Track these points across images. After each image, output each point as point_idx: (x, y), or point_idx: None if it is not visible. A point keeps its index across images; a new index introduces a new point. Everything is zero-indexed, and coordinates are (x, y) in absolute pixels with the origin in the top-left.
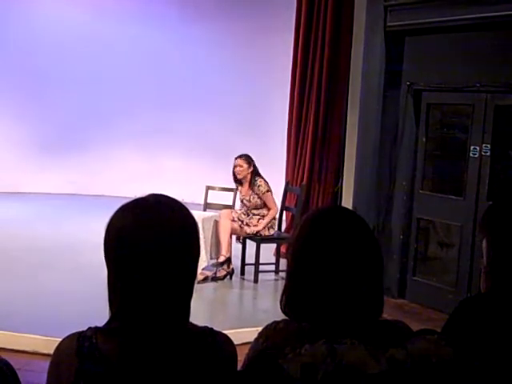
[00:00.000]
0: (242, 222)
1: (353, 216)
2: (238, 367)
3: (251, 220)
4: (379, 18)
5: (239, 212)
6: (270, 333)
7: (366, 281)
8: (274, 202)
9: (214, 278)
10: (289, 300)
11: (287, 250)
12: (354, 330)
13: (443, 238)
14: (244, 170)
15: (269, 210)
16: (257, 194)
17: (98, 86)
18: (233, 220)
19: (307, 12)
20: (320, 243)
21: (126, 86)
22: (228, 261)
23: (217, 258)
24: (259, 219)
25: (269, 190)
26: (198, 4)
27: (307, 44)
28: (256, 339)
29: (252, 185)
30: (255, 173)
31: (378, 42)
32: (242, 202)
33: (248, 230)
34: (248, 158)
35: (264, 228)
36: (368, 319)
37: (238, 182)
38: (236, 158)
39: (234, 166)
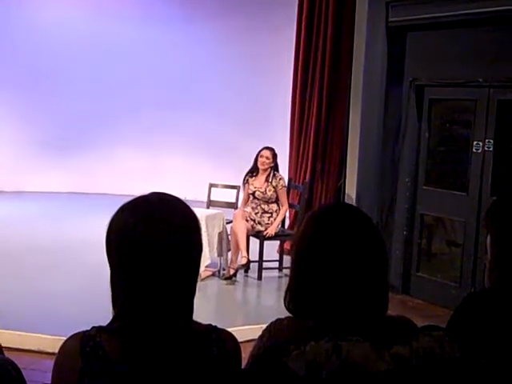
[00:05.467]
0: (254, 220)
1: (357, 213)
2: (243, 365)
3: (262, 218)
4: (381, 14)
5: (249, 211)
6: (273, 330)
7: (370, 277)
8: (287, 200)
9: (228, 278)
10: (293, 297)
11: (291, 247)
12: (359, 327)
13: (447, 234)
14: (269, 162)
15: (279, 206)
16: (274, 186)
17: (100, 85)
18: (245, 219)
19: (309, 9)
20: (324, 240)
21: (128, 85)
22: (249, 261)
23: (228, 264)
24: (269, 217)
25: (285, 187)
26: (200, 3)
27: (309, 41)
28: (260, 337)
29: (270, 177)
30: (275, 167)
31: (379, 37)
32: (253, 194)
33: (261, 228)
34: (274, 152)
35: (277, 227)
36: (373, 316)
37: (255, 172)
38: (264, 149)
39: (260, 156)
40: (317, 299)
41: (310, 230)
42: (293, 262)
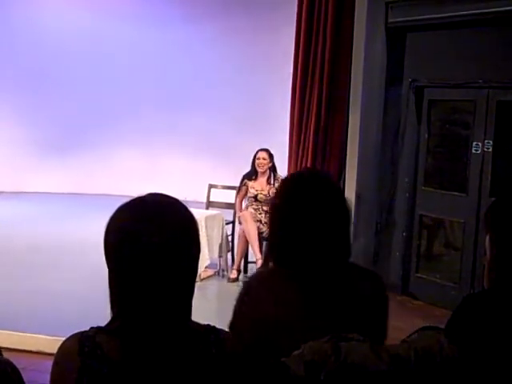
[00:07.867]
0: (260, 221)
1: (326, 178)
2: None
3: (267, 219)
4: (380, 15)
5: (253, 211)
6: (254, 283)
7: (333, 228)
8: None
9: (233, 281)
10: (271, 246)
11: (270, 205)
12: (327, 270)
13: (446, 235)
14: (267, 163)
15: None
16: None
17: (99, 85)
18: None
19: (308, 9)
20: (297, 200)
21: (127, 85)
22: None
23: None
24: None
25: None
26: (200, 3)
27: (308, 41)
28: (241, 294)
29: (272, 179)
30: (274, 168)
31: (379, 38)
32: (254, 197)
33: (264, 228)
34: (270, 153)
35: None
36: (337, 261)
37: (254, 174)
38: (260, 151)
39: (257, 158)
40: (291, 248)
41: (284, 190)
42: (271, 217)
